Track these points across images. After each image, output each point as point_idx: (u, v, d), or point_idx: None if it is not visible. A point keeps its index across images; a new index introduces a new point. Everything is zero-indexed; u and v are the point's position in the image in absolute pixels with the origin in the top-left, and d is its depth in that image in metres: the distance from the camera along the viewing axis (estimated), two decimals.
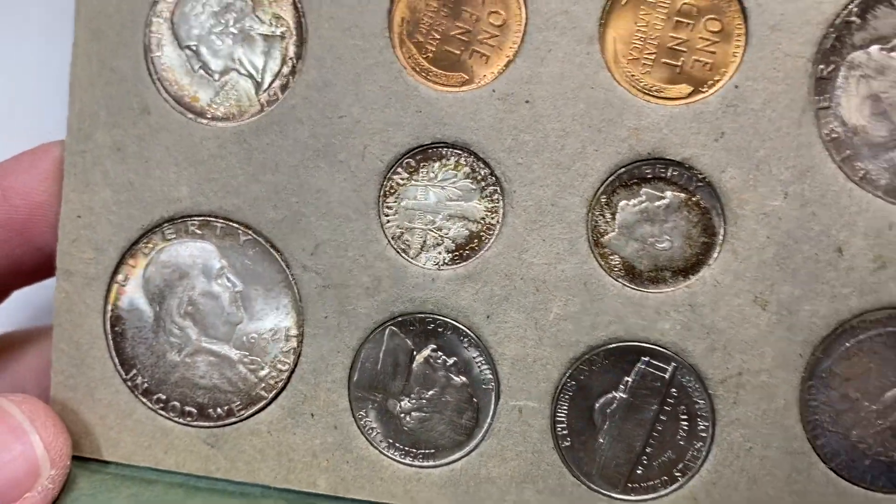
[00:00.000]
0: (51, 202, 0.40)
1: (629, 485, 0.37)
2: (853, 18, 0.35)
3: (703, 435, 0.36)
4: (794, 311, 0.36)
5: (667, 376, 0.37)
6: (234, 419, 0.39)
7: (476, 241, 0.38)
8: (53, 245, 0.40)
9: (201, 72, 0.39)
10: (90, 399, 0.40)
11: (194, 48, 0.39)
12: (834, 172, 0.35)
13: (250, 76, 0.39)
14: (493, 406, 0.38)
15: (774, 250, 0.36)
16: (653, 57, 0.36)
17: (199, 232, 0.39)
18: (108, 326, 0.40)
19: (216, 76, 0.39)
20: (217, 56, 0.39)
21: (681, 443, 0.37)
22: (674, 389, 0.37)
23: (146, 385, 0.40)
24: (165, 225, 0.39)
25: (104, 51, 0.39)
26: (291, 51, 0.38)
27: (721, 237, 0.36)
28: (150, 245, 0.39)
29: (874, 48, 0.35)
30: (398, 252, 0.38)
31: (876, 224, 0.35)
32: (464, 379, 0.38)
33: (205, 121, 0.39)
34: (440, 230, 0.38)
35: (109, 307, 0.40)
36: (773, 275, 0.36)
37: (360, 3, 0.38)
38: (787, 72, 0.35)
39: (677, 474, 0.37)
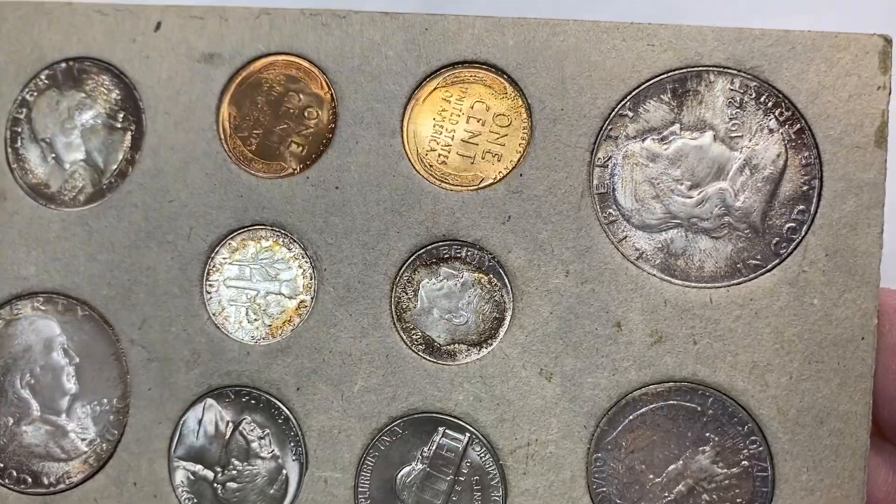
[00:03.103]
0: None
1: None
2: (626, 112, 0.38)
3: None
4: (578, 384, 0.37)
5: (461, 447, 0.38)
6: (64, 486, 0.41)
7: (292, 316, 0.40)
8: None
9: (53, 162, 0.43)
10: None
11: (48, 140, 0.43)
12: (611, 252, 0.38)
13: (94, 166, 0.43)
14: (299, 476, 0.39)
15: (557, 325, 0.38)
16: (448, 148, 0.40)
17: (43, 308, 0.42)
18: None
19: (66, 165, 0.43)
20: (67, 148, 0.43)
21: None
22: (468, 460, 0.38)
23: None
24: (14, 301, 0.42)
25: None
26: (131, 142, 0.42)
27: (510, 312, 0.38)
28: (1, 320, 0.42)
29: (647, 138, 0.38)
30: (217, 327, 0.41)
31: (652, 301, 0.37)
32: (275, 450, 0.40)
33: (54, 206, 0.43)
34: (259, 306, 0.40)
35: None
36: (556, 348, 0.38)
37: (192, 101, 0.42)
38: (567, 160, 0.38)
39: None
